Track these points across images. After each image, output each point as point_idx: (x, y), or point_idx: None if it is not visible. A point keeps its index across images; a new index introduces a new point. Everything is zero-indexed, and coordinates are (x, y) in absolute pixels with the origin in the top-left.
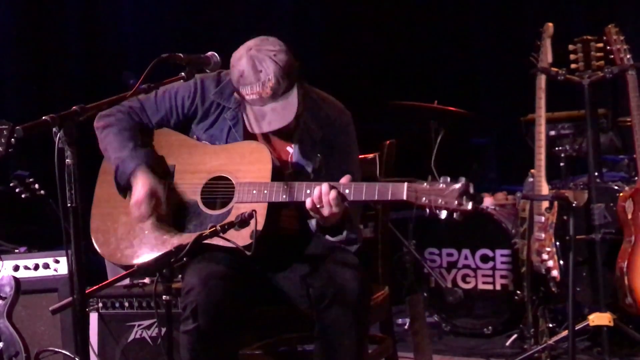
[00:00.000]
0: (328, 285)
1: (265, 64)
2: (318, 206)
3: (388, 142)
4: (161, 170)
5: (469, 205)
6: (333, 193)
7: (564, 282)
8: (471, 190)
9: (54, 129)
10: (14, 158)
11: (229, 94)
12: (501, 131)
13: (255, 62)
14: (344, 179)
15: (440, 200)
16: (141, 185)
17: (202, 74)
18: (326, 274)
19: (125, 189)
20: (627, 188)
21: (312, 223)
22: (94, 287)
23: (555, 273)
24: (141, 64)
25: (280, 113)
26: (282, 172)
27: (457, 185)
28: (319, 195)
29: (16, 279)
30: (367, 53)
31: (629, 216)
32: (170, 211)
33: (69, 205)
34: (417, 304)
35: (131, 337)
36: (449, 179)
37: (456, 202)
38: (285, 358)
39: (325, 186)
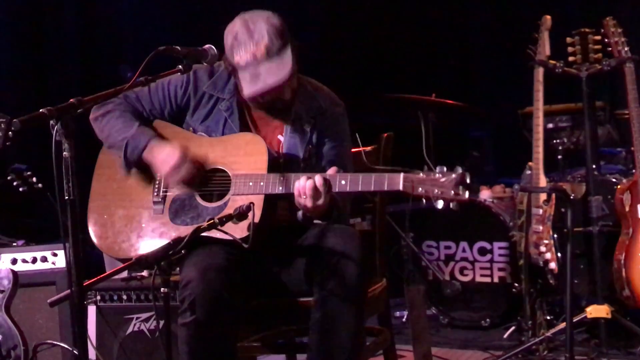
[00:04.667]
0: (328, 276)
1: (258, 24)
2: (303, 197)
3: (386, 134)
4: None
5: (466, 195)
6: (309, 184)
7: (562, 275)
8: (467, 180)
9: (52, 122)
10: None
11: (223, 85)
12: (499, 124)
13: (248, 23)
14: (331, 171)
15: (436, 190)
16: (167, 151)
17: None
18: (326, 265)
19: (131, 167)
20: (624, 180)
21: (299, 213)
22: (92, 280)
23: (552, 265)
24: (138, 56)
25: (275, 71)
26: (278, 162)
27: (454, 175)
28: (302, 187)
29: (14, 272)
30: (364, 45)
31: (627, 208)
32: (169, 203)
33: (66, 198)
34: (416, 295)
35: (129, 330)
36: (445, 169)
37: (453, 191)
38: (283, 350)
39: (318, 177)
